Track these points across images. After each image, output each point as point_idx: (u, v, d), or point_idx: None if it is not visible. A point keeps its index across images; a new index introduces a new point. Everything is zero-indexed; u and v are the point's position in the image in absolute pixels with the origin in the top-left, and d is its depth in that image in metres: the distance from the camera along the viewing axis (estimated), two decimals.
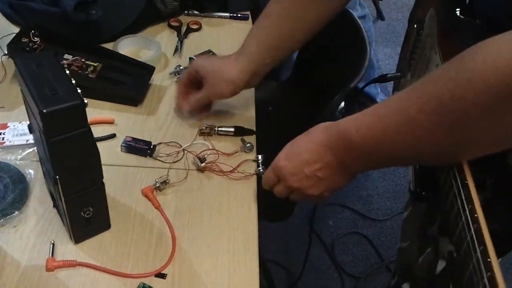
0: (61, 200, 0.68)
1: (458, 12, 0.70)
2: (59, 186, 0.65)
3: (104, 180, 0.70)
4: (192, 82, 0.94)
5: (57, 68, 0.63)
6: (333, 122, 0.68)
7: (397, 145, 0.61)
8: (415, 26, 0.86)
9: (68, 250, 0.74)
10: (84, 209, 0.71)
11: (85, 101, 0.60)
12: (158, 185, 0.82)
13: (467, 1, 0.73)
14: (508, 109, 0.51)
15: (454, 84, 0.52)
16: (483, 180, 0.71)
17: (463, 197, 0.57)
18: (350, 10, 1.22)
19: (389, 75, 0.95)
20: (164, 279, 0.71)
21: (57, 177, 0.64)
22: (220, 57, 0.95)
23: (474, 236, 0.52)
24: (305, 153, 0.70)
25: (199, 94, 0.92)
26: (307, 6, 0.86)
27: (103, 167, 0.68)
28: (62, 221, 0.75)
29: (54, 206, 0.78)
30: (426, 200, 0.77)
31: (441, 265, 0.80)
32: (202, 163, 0.85)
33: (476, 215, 0.54)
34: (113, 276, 0.71)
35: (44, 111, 0.57)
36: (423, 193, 0.74)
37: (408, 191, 0.92)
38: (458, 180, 0.59)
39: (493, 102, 0.50)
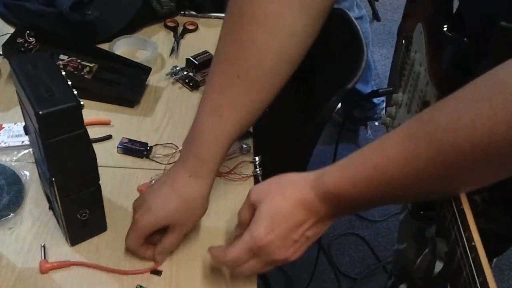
0: (57, 202, 0.67)
1: (445, 29, 0.67)
2: (55, 188, 0.65)
3: (100, 182, 0.70)
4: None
5: (53, 69, 0.63)
6: (314, 175, 0.60)
7: (400, 194, 0.57)
8: (403, 41, 0.85)
9: (64, 252, 0.73)
10: (80, 211, 0.70)
11: (81, 102, 0.60)
12: (153, 182, 0.82)
13: (455, 15, 0.72)
14: None
15: (473, 132, 0.47)
16: None
17: (460, 224, 0.56)
18: (347, 11, 1.22)
19: (380, 90, 0.95)
20: (159, 276, 0.71)
21: (53, 179, 0.64)
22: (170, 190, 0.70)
23: (472, 266, 0.52)
24: (292, 217, 0.60)
25: (169, 239, 0.71)
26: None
27: (99, 168, 0.68)
28: (58, 223, 0.75)
29: (50, 208, 0.78)
30: (425, 218, 0.76)
31: (438, 266, 0.80)
32: None
33: (473, 244, 0.53)
34: (109, 277, 0.70)
35: (40, 112, 0.57)
36: (421, 212, 0.73)
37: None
38: (454, 205, 0.58)
39: None
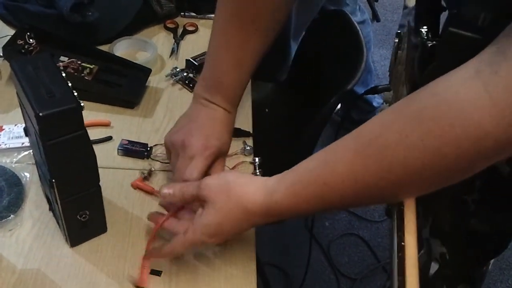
0: (57, 204, 0.68)
1: (424, 29, 0.65)
2: (55, 190, 0.65)
3: (100, 183, 0.70)
4: None
5: (54, 70, 0.63)
6: (264, 191, 0.61)
7: (349, 204, 0.60)
8: (396, 40, 0.85)
9: (64, 253, 0.73)
10: (80, 212, 0.70)
11: (82, 104, 0.60)
12: (145, 175, 0.84)
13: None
14: (483, 164, 0.49)
15: (422, 152, 0.49)
16: (472, 182, 0.71)
17: (395, 223, 0.57)
18: (350, 15, 1.22)
19: (379, 86, 0.95)
20: (159, 276, 0.71)
21: (53, 180, 0.64)
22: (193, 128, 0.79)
23: (396, 263, 0.53)
24: (237, 226, 0.64)
25: (197, 162, 0.75)
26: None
27: (99, 169, 0.68)
28: (58, 224, 0.75)
29: (50, 210, 0.78)
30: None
31: (434, 267, 0.80)
32: None
33: (403, 243, 0.54)
34: (110, 278, 0.71)
35: (40, 114, 0.57)
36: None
37: None
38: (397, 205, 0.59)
39: (469, 164, 0.49)
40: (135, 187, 0.83)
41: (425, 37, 0.62)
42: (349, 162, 0.55)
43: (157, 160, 0.88)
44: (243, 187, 0.63)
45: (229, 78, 0.79)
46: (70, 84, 0.61)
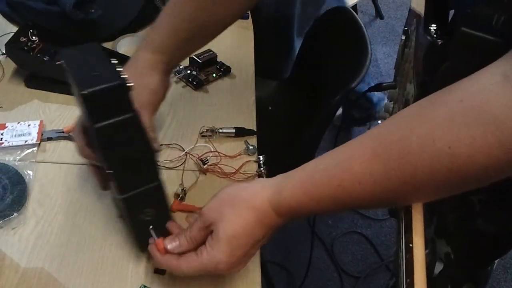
0: (120, 200, 0.65)
1: (432, 28, 0.64)
2: (115, 181, 0.62)
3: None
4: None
5: (101, 57, 0.61)
6: (271, 191, 0.59)
7: (362, 206, 0.56)
8: (403, 38, 0.84)
9: (68, 252, 0.73)
10: (145, 210, 0.66)
11: (131, 84, 0.57)
12: (180, 196, 0.81)
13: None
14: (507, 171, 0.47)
15: (450, 159, 0.47)
16: None
17: (403, 224, 0.56)
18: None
19: (384, 84, 0.94)
20: (163, 275, 0.71)
21: (112, 171, 0.61)
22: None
23: (404, 265, 0.52)
24: (252, 237, 0.59)
25: None
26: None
27: None
28: (128, 230, 0.73)
29: (119, 217, 0.76)
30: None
31: (438, 267, 0.80)
32: (204, 165, 0.85)
33: (411, 245, 0.53)
34: (113, 276, 0.70)
35: (85, 92, 0.55)
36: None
37: None
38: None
39: (498, 172, 0.47)
40: (176, 210, 0.79)
41: (434, 35, 0.61)
42: (367, 165, 0.52)
43: (162, 166, 0.86)
44: (248, 189, 0.61)
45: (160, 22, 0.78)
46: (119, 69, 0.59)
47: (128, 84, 0.58)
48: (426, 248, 0.81)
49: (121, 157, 0.61)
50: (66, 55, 0.62)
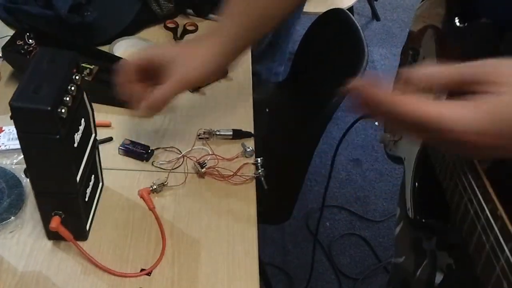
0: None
1: (457, 22, 0.67)
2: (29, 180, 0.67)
3: (102, 184, 0.69)
4: (139, 73, 0.77)
5: (65, 71, 0.62)
6: None
7: None
8: (410, 53, 0.85)
9: (66, 255, 0.73)
10: (56, 211, 0.70)
11: (63, 110, 0.59)
12: (155, 187, 0.82)
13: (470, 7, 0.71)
14: None
15: None
16: None
17: (480, 197, 0.51)
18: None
19: None
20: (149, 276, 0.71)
21: (28, 171, 0.65)
22: (183, 42, 0.82)
23: (499, 235, 0.47)
24: None
25: (164, 87, 0.74)
26: None
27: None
28: None
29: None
30: (426, 228, 0.74)
31: (439, 277, 0.79)
32: (202, 168, 0.85)
33: (498, 212, 0.47)
34: (111, 280, 0.70)
35: (11, 103, 0.58)
36: (423, 220, 0.72)
37: (402, 212, 0.90)
38: (487, 210, 0.50)
39: None
40: (140, 196, 0.81)
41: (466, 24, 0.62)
42: None
43: (158, 167, 0.87)
44: None
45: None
46: (73, 88, 0.61)
47: (59, 111, 0.59)
48: (424, 259, 0.81)
49: (38, 163, 0.64)
50: (38, 56, 0.63)
